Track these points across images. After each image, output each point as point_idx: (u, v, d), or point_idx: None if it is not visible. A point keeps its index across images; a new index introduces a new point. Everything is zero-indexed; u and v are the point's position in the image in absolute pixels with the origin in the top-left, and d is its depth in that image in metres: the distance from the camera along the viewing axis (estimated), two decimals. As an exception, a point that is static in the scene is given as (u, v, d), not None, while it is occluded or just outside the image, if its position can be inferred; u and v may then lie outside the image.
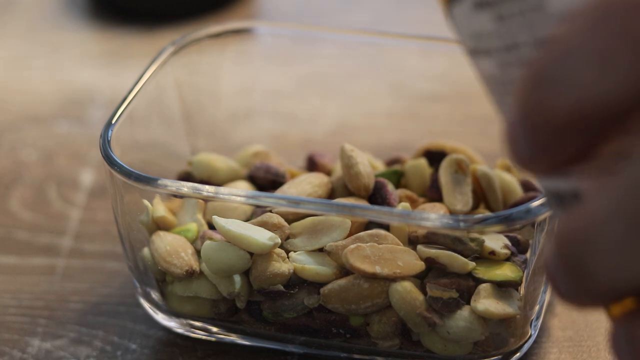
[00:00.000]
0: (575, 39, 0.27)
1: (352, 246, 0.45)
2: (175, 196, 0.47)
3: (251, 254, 0.46)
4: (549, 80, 0.27)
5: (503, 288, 0.45)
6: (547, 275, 0.29)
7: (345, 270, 0.46)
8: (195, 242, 0.48)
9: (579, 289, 0.28)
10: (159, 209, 0.48)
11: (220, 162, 0.53)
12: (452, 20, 0.31)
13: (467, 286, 0.45)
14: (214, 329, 0.49)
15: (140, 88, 0.51)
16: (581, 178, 0.28)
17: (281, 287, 0.46)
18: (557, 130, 0.28)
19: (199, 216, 0.49)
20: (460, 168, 0.51)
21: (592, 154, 0.28)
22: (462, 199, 0.50)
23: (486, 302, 0.45)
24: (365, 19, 0.80)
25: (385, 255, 0.45)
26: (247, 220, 0.47)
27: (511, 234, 0.45)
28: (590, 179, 0.28)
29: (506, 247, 0.46)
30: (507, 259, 0.46)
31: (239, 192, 0.46)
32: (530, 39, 0.29)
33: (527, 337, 0.47)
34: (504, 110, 0.31)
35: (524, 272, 0.45)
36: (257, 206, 0.47)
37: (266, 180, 0.52)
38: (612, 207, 0.27)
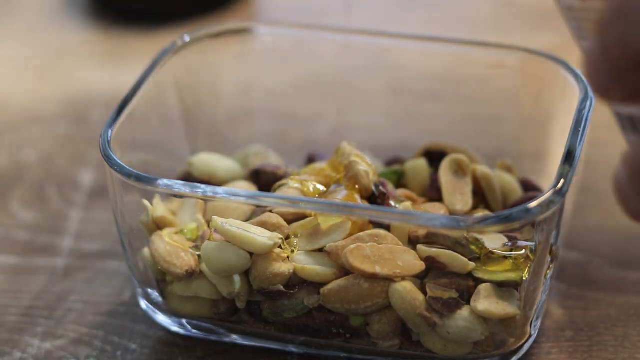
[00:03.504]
0: None
1: (352, 246, 0.45)
2: (175, 196, 0.47)
3: (251, 254, 0.46)
4: (628, 13, 0.29)
5: (503, 288, 0.45)
6: (617, 195, 0.30)
7: (345, 270, 0.46)
8: (196, 242, 0.48)
9: None
10: (159, 209, 0.48)
11: (220, 162, 0.53)
12: None
13: (467, 286, 0.45)
14: (214, 329, 0.49)
15: (140, 88, 0.51)
16: None
17: (281, 287, 0.46)
18: (634, 61, 0.29)
19: (199, 216, 0.49)
20: (460, 168, 0.51)
21: None
22: (462, 199, 0.50)
23: (486, 302, 0.45)
24: (366, 19, 0.80)
25: (385, 255, 0.45)
26: (247, 220, 0.47)
27: (511, 234, 0.45)
28: None
29: (506, 247, 0.46)
30: (507, 259, 0.46)
31: (239, 192, 0.46)
32: None
33: (527, 337, 0.47)
34: (582, 40, 0.33)
35: (524, 272, 0.45)
36: (257, 206, 0.47)
37: (272, 176, 0.51)
38: None
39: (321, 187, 0.49)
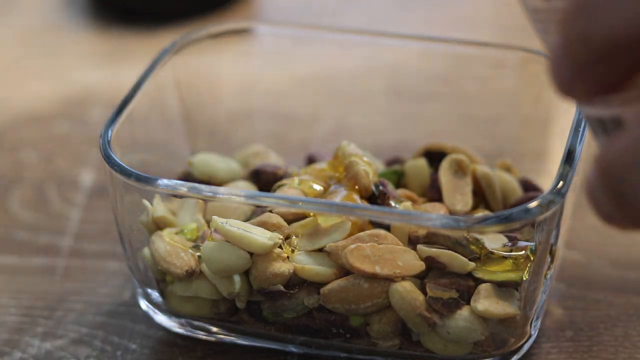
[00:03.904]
0: None
1: (352, 246, 0.45)
2: (175, 196, 0.47)
3: (251, 254, 0.46)
4: (590, 8, 0.29)
5: (503, 288, 0.45)
6: (588, 198, 0.30)
7: (345, 270, 0.46)
8: (196, 242, 0.48)
9: (619, 211, 0.29)
10: (159, 209, 0.48)
11: (220, 162, 0.53)
12: None
13: (467, 286, 0.45)
14: (214, 329, 0.49)
15: (140, 88, 0.51)
16: (623, 105, 0.30)
17: (281, 287, 0.46)
18: (596, 55, 0.29)
19: (199, 216, 0.49)
20: (460, 168, 0.51)
21: (631, 81, 0.29)
22: (462, 199, 0.50)
23: (486, 302, 0.45)
24: (365, 19, 0.80)
25: (385, 255, 0.45)
26: (247, 220, 0.47)
27: (511, 234, 0.45)
28: (631, 107, 0.30)
29: (506, 247, 0.46)
30: (507, 259, 0.46)
31: (239, 192, 0.46)
32: None
33: (527, 337, 0.47)
34: (547, 41, 0.33)
35: (524, 272, 0.45)
36: (257, 206, 0.47)
37: (272, 176, 0.51)
38: None
39: (321, 187, 0.49)
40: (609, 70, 0.29)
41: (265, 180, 0.51)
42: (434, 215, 0.44)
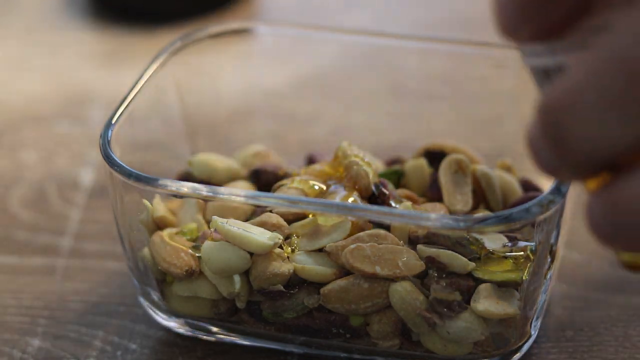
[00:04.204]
0: None
1: (352, 246, 0.45)
2: (175, 196, 0.47)
3: (251, 254, 0.46)
4: None
5: (503, 288, 0.45)
6: (528, 145, 0.30)
7: (345, 270, 0.46)
8: (195, 242, 0.48)
9: (558, 158, 0.29)
10: (159, 208, 0.48)
11: (220, 162, 0.53)
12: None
13: (467, 286, 0.45)
14: (214, 329, 0.49)
15: (140, 88, 0.51)
16: (564, 51, 0.30)
17: (281, 287, 0.46)
18: None
19: (199, 216, 0.49)
20: (460, 168, 0.51)
21: (573, 25, 0.30)
22: (462, 199, 0.50)
23: (486, 302, 0.45)
24: (365, 19, 0.80)
25: (385, 255, 0.45)
26: (247, 220, 0.47)
27: (511, 234, 0.45)
28: (572, 52, 0.30)
29: (506, 247, 0.46)
30: (507, 259, 0.46)
31: (239, 192, 0.46)
32: None
33: (527, 337, 0.47)
34: None
35: (524, 272, 0.45)
36: (257, 206, 0.47)
37: (272, 176, 0.51)
38: (589, 78, 0.28)
39: (320, 187, 0.49)
40: (554, 11, 0.29)
41: (265, 180, 0.51)
42: (434, 215, 0.44)
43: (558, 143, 0.29)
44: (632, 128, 0.28)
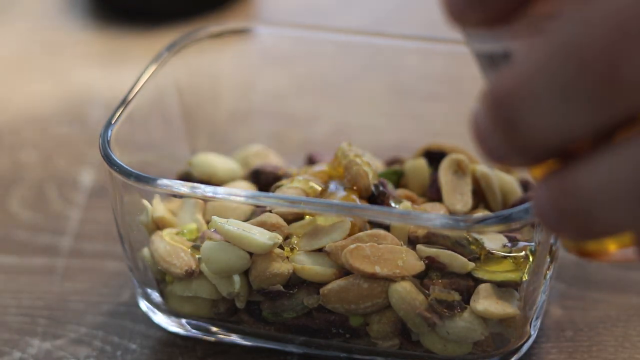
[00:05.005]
0: None
1: (352, 246, 0.45)
2: (175, 196, 0.47)
3: (251, 254, 0.46)
4: None
5: (503, 288, 0.45)
6: (474, 133, 0.30)
7: (345, 270, 0.46)
8: (195, 242, 0.48)
9: (507, 146, 0.29)
10: (159, 209, 0.48)
11: (220, 162, 0.53)
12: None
13: (467, 286, 0.45)
14: (214, 329, 0.49)
15: (140, 88, 0.51)
16: (511, 38, 0.30)
17: (281, 287, 0.46)
18: None
19: (199, 216, 0.49)
20: (460, 168, 0.51)
21: (522, 11, 0.29)
22: (462, 199, 0.50)
23: (486, 302, 0.45)
24: (365, 19, 0.80)
25: (385, 255, 0.45)
26: (246, 220, 0.47)
27: (511, 234, 0.45)
28: (521, 39, 0.29)
29: (506, 247, 0.46)
30: (507, 259, 0.46)
31: (239, 192, 0.46)
32: None
33: (527, 337, 0.47)
34: None
35: (523, 272, 0.45)
36: (257, 206, 0.47)
37: (272, 176, 0.51)
38: (540, 65, 0.28)
39: (320, 187, 0.49)
40: None
41: (265, 180, 0.51)
42: (433, 215, 0.44)
43: (508, 130, 0.29)
44: (583, 116, 0.28)
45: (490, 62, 0.31)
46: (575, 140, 0.29)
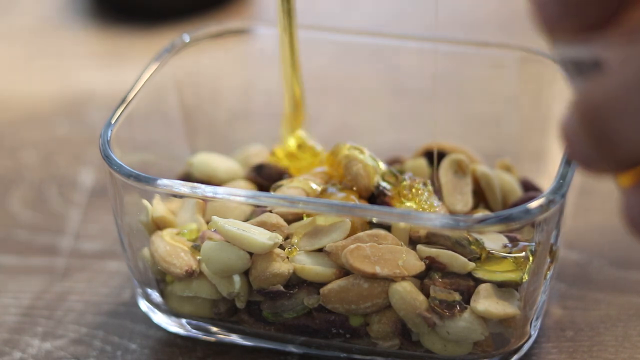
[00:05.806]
0: None
1: (352, 246, 0.45)
2: (175, 196, 0.47)
3: (251, 254, 0.46)
4: None
5: (503, 288, 0.45)
6: (565, 142, 0.30)
7: (345, 271, 0.45)
8: (195, 242, 0.48)
9: (599, 155, 0.29)
10: (159, 209, 0.48)
11: (220, 162, 0.53)
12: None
13: (467, 286, 0.45)
14: (214, 329, 0.49)
15: (140, 88, 0.51)
16: (604, 47, 0.29)
17: (281, 287, 0.46)
18: None
19: (199, 216, 0.49)
20: (460, 168, 0.51)
21: (615, 20, 0.29)
22: (462, 199, 0.50)
23: (486, 302, 0.45)
24: (365, 19, 0.80)
25: (385, 256, 0.45)
26: (246, 220, 0.47)
27: (511, 234, 0.45)
28: (614, 48, 0.29)
29: (506, 247, 0.46)
30: (507, 259, 0.46)
31: (239, 192, 0.46)
32: None
33: (527, 337, 0.47)
34: None
35: (524, 272, 0.45)
36: (257, 206, 0.47)
37: (275, 170, 0.51)
38: (637, 78, 0.28)
39: (320, 187, 0.49)
40: (599, 5, 0.29)
41: (267, 174, 0.51)
42: (434, 215, 0.44)
43: (600, 139, 0.29)
44: None
45: (578, 69, 0.31)
46: None
